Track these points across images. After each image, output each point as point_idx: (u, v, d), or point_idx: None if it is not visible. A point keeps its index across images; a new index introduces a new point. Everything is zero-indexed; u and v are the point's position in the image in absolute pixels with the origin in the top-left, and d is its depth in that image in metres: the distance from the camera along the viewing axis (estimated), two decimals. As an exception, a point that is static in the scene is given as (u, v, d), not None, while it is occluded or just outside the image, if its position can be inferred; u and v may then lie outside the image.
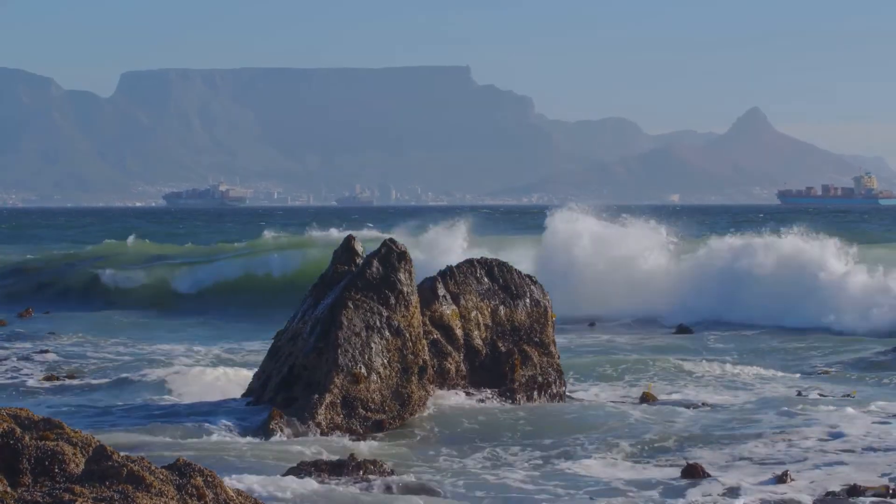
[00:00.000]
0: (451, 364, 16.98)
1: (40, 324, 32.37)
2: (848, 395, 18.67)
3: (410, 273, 16.65)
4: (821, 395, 18.92)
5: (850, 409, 16.86)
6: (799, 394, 18.99)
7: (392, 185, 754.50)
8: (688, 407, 17.56)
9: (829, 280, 31.65)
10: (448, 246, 38.65)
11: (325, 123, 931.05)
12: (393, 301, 16.32)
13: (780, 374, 21.71)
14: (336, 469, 12.83)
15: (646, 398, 18.34)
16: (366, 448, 14.62)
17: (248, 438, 15.10)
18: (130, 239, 58.30)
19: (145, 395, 18.87)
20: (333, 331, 15.95)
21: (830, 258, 32.64)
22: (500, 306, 17.79)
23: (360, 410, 15.71)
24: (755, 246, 35.09)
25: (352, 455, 13.23)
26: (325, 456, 13.80)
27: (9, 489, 9.34)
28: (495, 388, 17.20)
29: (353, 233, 19.08)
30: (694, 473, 13.17)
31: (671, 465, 13.88)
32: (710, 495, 12.51)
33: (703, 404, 17.88)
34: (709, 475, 13.15)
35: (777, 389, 19.71)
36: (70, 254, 55.41)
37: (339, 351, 15.79)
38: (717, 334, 29.03)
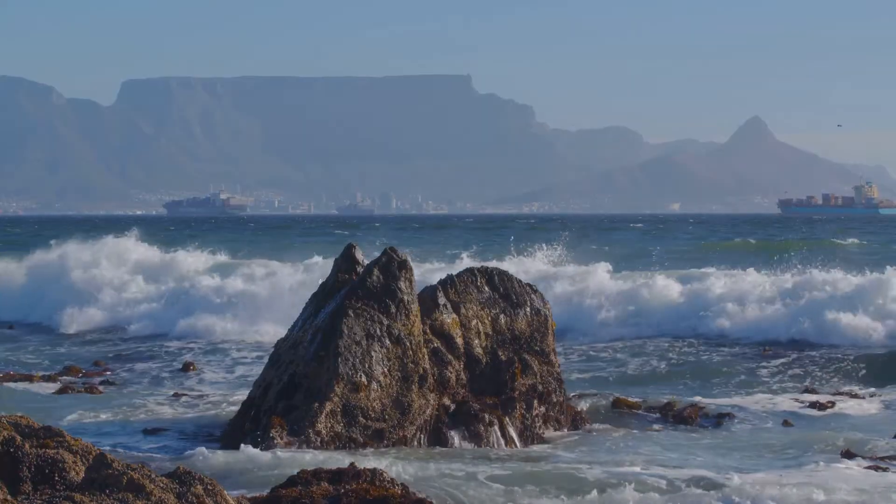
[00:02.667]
0: (451, 372, 16.97)
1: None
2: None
3: (411, 282, 16.67)
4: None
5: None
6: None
7: (393, 193, 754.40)
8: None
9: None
10: None
11: (327, 132, 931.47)
12: (393, 309, 16.33)
13: None
14: (336, 478, 12.82)
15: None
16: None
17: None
18: None
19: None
20: (334, 339, 15.96)
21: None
22: (501, 315, 17.78)
23: (361, 419, 15.70)
24: None
25: (352, 464, 13.22)
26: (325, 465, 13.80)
27: (9, 497, 9.35)
28: (495, 396, 17.20)
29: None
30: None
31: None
32: None
33: None
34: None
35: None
36: None
37: (340, 359, 15.79)
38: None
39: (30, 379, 22.02)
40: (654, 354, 26.42)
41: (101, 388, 21.98)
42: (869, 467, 14.71)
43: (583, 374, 23.97)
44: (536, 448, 16.53)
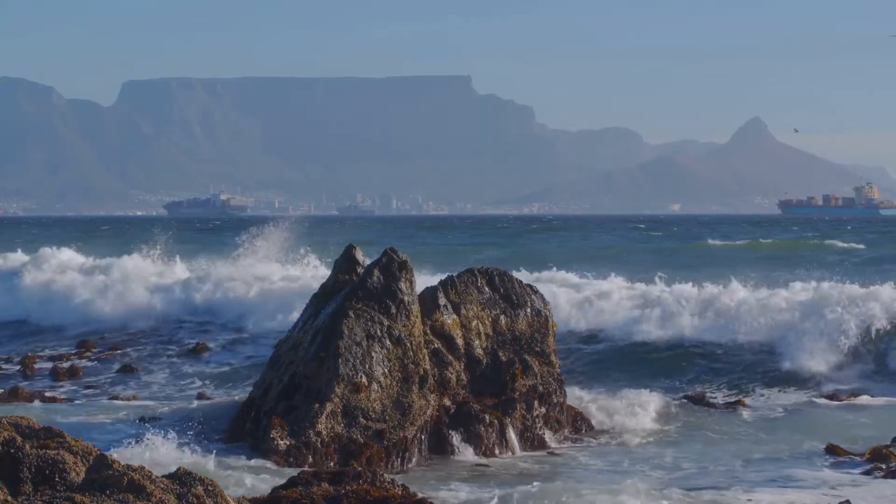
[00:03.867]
0: (451, 373, 16.96)
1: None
2: None
3: (411, 282, 16.65)
4: None
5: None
6: None
7: (393, 194, 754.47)
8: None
9: None
10: None
11: (327, 132, 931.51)
12: (394, 310, 16.32)
13: None
14: (336, 478, 12.81)
15: None
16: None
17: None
18: None
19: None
20: (334, 340, 15.94)
21: None
22: (501, 316, 17.78)
23: (361, 420, 15.70)
24: None
25: (352, 464, 13.22)
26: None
27: (9, 498, 9.35)
28: (496, 397, 17.18)
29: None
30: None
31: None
32: None
33: None
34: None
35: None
36: None
37: (340, 360, 15.78)
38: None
39: (54, 400, 21.74)
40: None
41: (122, 395, 21.87)
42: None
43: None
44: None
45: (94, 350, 27.20)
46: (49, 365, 25.25)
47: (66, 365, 24.97)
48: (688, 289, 29.26)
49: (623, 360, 25.25)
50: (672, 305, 27.60)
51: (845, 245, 65.85)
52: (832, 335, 24.45)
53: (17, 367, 25.00)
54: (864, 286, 27.40)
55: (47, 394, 21.54)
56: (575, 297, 29.23)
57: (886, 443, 16.29)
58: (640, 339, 26.05)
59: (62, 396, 21.65)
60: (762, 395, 21.45)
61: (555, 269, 34.00)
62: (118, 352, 26.93)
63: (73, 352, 27.26)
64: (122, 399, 20.95)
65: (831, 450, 16.19)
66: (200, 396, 20.63)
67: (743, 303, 27.09)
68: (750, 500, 13.34)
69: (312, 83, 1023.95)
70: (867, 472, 14.92)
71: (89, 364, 25.61)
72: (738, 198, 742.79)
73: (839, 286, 28.22)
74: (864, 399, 21.00)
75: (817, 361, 23.64)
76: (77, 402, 21.02)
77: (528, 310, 17.97)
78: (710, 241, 73.71)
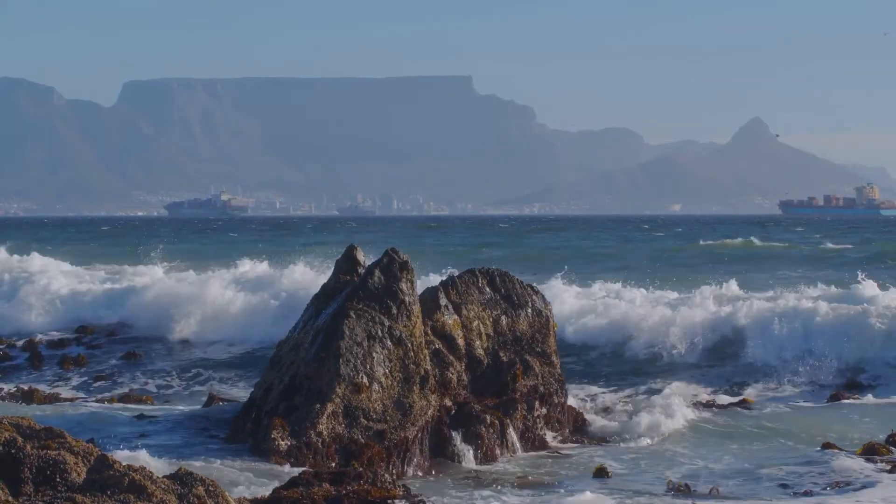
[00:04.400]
0: (452, 374, 16.95)
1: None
2: None
3: (412, 283, 16.64)
4: None
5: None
6: None
7: (394, 194, 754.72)
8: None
9: None
10: None
11: (327, 133, 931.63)
12: (395, 310, 16.31)
13: None
14: (337, 479, 12.80)
15: None
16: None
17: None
18: None
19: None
20: (335, 340, 15.93)
21: None
22: (502, 316, 17.77)
23: (362, 420, 15.68)
24: None
25: (353, 464, 13.21)
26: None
27: (10, 498, 9.35)
28: (497, 397, 17.18)
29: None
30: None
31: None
32: None
33: None
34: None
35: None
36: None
37: (341, 360, 15.77)
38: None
39: (73, 401, 21.83)
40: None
41: (134, 396, 21.91)
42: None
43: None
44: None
45: (91, 335, 27.95)
46: (54, 352, 26.10)
47: (73, 355, 25.75)
48: (676, 291, 29.27)
49: (613, 362, 25.19)
50: (659, 306, 27.51)
51: (837, 246, 65.94)
52: (828, 334, 24.47)
53: (26, 355, 25.84)
54: (860, 285, 27.45)
55: (62, 395, 21.90)
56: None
57: (881, 440, 16.42)
58: (625, 339, 25.90)
59: (78, 395, 21.97)
60: (762, 396, 21.45)
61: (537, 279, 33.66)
62: (117, 336, 27.52)
63: (72, 336, 27.64)
64: (133, 400, 21.06)
65: (829, 447, 16.32)
66: (211, 398, 20.54)
67: (737, 303, 27.05)
68: None
69: (312, 83, 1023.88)
70: (870, 461, 15.06)
71: (92, 352, 26.18)
72: (738, 198, 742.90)
73: (836, 286, 28.31)
74: (869, 398, 21.05)
75: (816, 360, 23.65)
76: (89, 400, 21.20)
77: (529, 310, 17.97)
78: (702, 242, 73.67)
